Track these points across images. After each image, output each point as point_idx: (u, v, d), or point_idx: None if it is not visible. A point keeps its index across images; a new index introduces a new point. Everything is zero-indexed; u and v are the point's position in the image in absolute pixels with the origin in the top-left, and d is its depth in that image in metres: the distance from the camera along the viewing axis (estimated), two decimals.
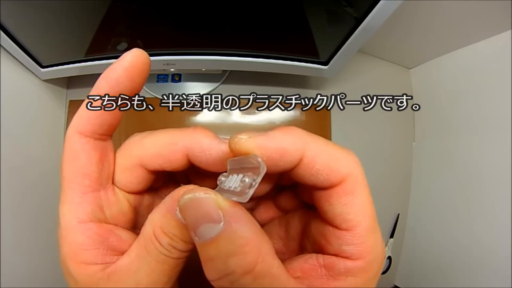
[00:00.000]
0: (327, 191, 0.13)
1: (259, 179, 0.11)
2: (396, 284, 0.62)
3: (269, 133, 0.13)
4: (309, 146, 0.12)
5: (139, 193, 0.16)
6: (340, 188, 0.13)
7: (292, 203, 0.18)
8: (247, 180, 0.12)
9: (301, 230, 0.17)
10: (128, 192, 0.16)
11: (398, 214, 0.62)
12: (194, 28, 0.43)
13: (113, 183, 0.15)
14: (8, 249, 0.42)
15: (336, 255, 0.13)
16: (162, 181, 0.18)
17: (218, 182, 0.14)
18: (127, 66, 0.14)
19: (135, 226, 0.17)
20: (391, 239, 0.61)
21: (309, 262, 0.14)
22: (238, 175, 0.13)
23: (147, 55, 0.14)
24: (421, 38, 0.56)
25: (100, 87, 0.14)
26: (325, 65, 0.49)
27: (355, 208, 0.13)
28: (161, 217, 0.14)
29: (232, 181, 0.13)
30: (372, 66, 0.66)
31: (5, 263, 0.41)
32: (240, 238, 0.11)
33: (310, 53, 0.48)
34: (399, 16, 0.39)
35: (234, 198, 0.12)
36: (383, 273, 0.61)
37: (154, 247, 0.13)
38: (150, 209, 0.17)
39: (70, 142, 0.14)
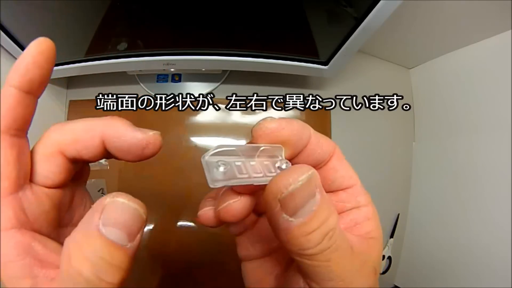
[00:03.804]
0: (329, 163, 0.17)
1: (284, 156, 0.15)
2: (396, 284, 0.62)
3: (290, 119, 0.16)
4: (311, 129, 0.16)
5: (59, 187, 0.16)
6: (335, 156, 0.17)
7: None
8: (284, 165, 0.15)
9: None
10: (48, 187, 0.15)
11: (398, 214, 0.62)
12: (194, 28, 0.43)
13: (30, 181, 0.15)
14: None
15: (353, 208, 0.17)
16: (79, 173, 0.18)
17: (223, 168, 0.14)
18: (34, 54, 0.14)
19: (59, 225, 0.16)
20: (391, 239, 0.61)
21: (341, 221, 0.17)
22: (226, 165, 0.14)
23: (52, 42, 0.15)
24: (421, 38, 0.56)
25: (11, 78, 0.14)
26: (325, 65, 0.49)
27: (350, 168, 0.17)
28: (84, 238, 0.13)
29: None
30: (372, 66, 0.66)
31: None
32: (328, 199, 0.14)
33: (310, 53, 0.48)
34: (399, 16, 0.39)
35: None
36: (383, 273, 0.61)
37: (77, 282, 0.12)
38: (71, 204, 0.17)
39: None
